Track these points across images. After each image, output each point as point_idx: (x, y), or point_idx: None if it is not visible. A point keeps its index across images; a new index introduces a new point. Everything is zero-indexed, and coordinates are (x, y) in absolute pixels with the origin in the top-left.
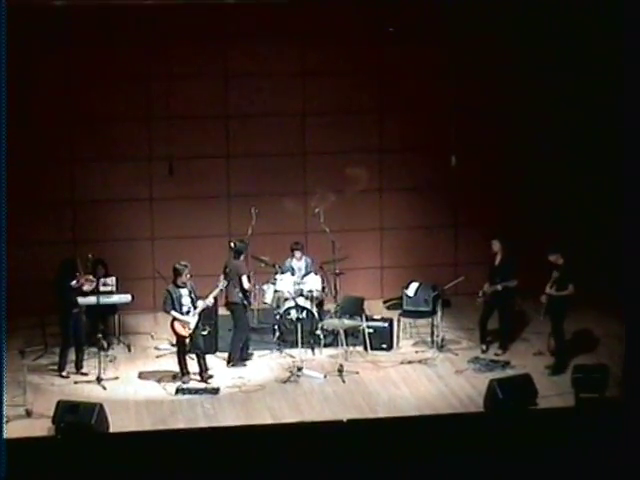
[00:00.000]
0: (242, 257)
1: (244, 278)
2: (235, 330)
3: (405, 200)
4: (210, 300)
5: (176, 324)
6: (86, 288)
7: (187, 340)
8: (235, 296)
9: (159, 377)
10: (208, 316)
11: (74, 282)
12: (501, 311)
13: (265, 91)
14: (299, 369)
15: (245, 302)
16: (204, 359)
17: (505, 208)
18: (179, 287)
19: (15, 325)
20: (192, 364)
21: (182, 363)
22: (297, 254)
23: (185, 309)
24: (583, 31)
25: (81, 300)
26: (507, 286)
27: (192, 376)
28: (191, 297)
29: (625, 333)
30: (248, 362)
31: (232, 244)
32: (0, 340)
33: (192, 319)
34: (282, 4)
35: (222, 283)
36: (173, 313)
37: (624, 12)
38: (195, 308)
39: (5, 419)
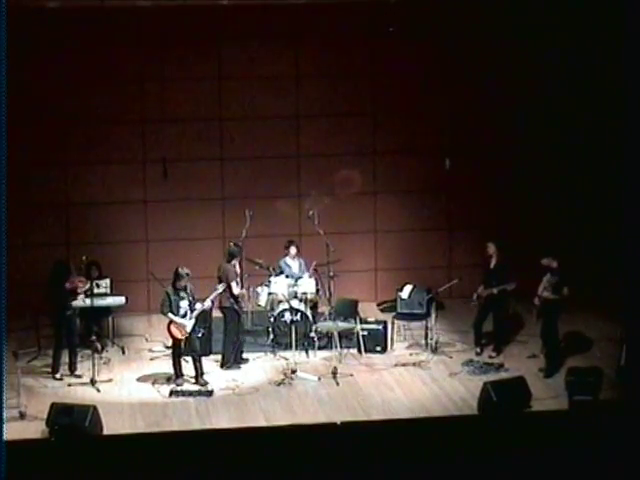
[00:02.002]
0: (234, 261)
1: (233, 284)
2: (225, 333)
3: (399, 203)
4: (208, 303)
5: (172, 327)
6: (79, 290)
7: (183, 343)
8: (226, 300)
9: (153, 379)
10: (203, 319)
11: (67, 284)
12: (495, 314)
13: (259, 93)
14: (293, 372)
15: (236, 307)
16: (200, 362)
17: (499, 211)
18: (178, 290)
19: (8, 327)
20: (186, 367)
21: (177, 366)
22: (292, 251)
23: (182, 312)
24: (581, 33)
25: (75, 302)
26: (504, 289)
27: (186, 378)
28: (189, 300)
29: (625, 335)
30: (242, 366)
31: (229, 246)
32: (0, 342)
33: (189, 322)
34: (276, 6)
35: (221, 286)
36: (170, 315)
37: (624, 12)
38: (192, 312)
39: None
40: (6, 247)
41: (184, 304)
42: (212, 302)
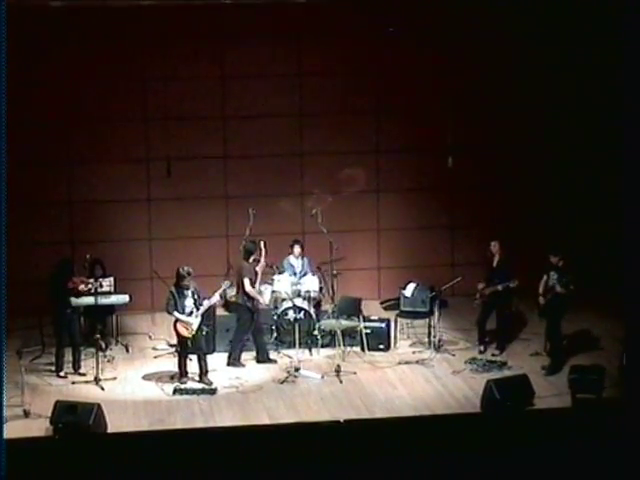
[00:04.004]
0: (252, 258)
1: (246, 281)
2: (235, 331)
3: (402, 201)
4: (215, 298)
5: (178, 325)
6: (81, 289)
7: (189, 342)
8: (239, 297)
9: (157, 377)
10: (207, 316)
11: (69, 283)
12: (499, 312)
13: (262, 92)
14: (296, 369)
15: (249, 304)
16: (205, 361)
17: (502, 209)
18: (182, 288)
19: (13, 326)
20: (190, 365)
21: (182, 364)
22: (296, 250)
23: (188, 310)
24: (583, 31)
25: (79, 300)
26: (507, 286)
27: (190, 376)
28: (194, 298)
29: (625, 334)
30: (273, 365)
31: (243, 244)
32: (0, 341)
33: (194, 320)
34: (279, 4)
35: (225, 283)
36: (175, 314)
37: (624, 12)
38: (198, 309)
39: (5, 419)
40: (9, 245)
41: (189, 302)
42: (221, 297)
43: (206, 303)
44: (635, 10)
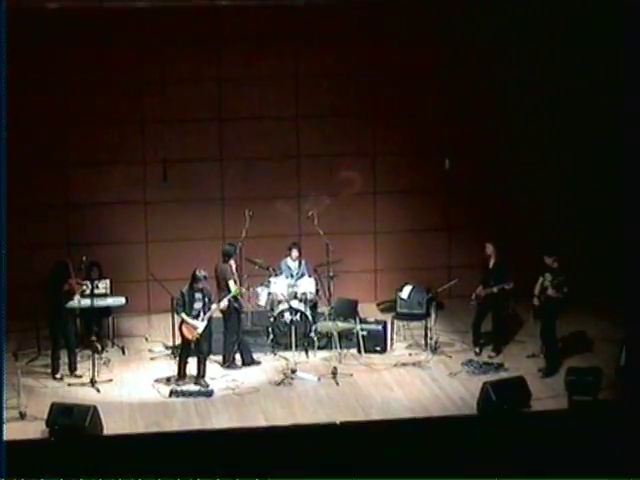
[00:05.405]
0: (231, 260)
1: (230, 282)
2: (225, 333)
3: (399, 203)
4: (224, 303)
5: (184, 327)
6: (76, 292)
7: (192, 344)
8: (225, 300)
9: (153, 379)
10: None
11: (65, 286)
12: (495, 313)
13: (259, 94)
14: (293, 372)
15: (236, 305)
16: (204, 364)
17: (498, 211)
18: (194, 291)
19: (9, 328)
20: (188, 368)
21: (181, 366)
22: (294, 253)
23: (195, 313)
24: (581, 33)
25: (75, 303)
26: (503, 288)
27: (186, 379)
28: (204, 301)
29: (625, 335)
30: (255, 367)
31: (222, 247)
32: (0, 343)
33: (201, 324)
34: (275, 7)
35: (234, 290)
36: (183, 315)
37: (624, 12)
38: (205, 313)
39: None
40: (6, 248)
41: (198, 305)
42: (229, 302)
43: (214, 307)
44: (635, 10)
